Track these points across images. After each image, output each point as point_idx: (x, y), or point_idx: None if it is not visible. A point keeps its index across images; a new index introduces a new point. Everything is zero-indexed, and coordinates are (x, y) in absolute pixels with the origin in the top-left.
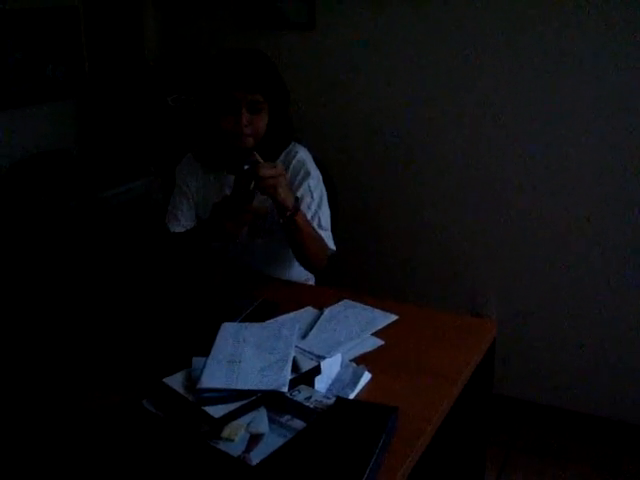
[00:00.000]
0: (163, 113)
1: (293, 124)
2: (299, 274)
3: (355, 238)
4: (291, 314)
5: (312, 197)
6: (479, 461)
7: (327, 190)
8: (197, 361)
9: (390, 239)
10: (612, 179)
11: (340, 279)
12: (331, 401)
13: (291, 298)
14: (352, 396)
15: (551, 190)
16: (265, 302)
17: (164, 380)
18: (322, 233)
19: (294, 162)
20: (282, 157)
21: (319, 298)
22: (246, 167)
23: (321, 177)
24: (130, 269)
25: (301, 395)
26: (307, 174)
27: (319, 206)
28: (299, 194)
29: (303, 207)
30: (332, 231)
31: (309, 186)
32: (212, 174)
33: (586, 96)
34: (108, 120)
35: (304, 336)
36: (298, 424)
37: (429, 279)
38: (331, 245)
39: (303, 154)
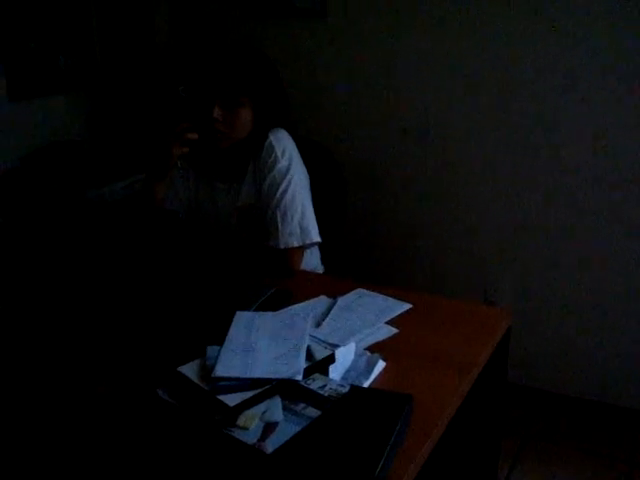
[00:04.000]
0: (175, 103)
1: (289, 118)
2: (306, 264)
3: (366, 228)
4: (304, 303)
5: (277, 186)
6: (493, 450)
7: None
8: (211, 350)
9: (402, 228)
10: (626, 172)
11: (351, 269)
12: (345, 389)
13: (304, 287)
14: (366, 384)
15: (564, 180)
16: (278, 291)
17: (179, 369)
18: (283, 227)
19: (264, 148)
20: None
21: (332, 287)
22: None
23: (298, 164)
24: (145, 258)
25: (315, 384)
26: (275, 160)
27: (284, 195)
28: (267, 180)
29: (268, 194)
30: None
31: (276, 172)
32: (202, 181)
33: (604, 97)
34: (119, 111)
35: (318, 325)
36: (313, 412)
37: (442, 268)
38: (294, 241)
39: (274, 139)
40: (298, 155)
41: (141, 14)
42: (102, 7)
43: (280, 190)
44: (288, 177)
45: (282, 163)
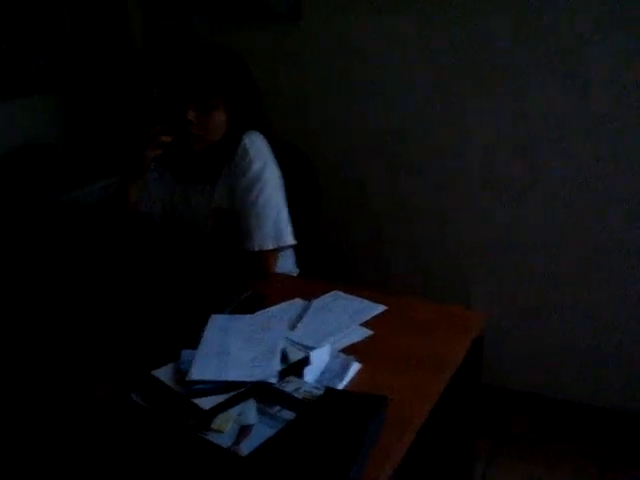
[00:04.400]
0: (149, 105)
1: (263, 120)
2: (281, 267)
3: (341, 230)
4: (279, 305)
5: (251, 189)
6: (468, 451)
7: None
8: (186, 353)
9: (378, 231)
10: (607, 178)
11: (326, 272)
12: (320, 392)
13: (279, 290)
14: (341, 386)
15: (543, 188)
16: (253, 294)
17: (153, 372)
18: (258, 230)
19: (238, 150)
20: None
21: (307, 290)
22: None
23: (272, 166)
24: (118, 261)
25: (290, 386)
26: (250, 163)
27: (259, 198)
28: (242, 183)
29: (243, 197)
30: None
31: (250, 175)
32: (177, 183)
33: (594, 104)
34: (94, 113)
35: (293, 327)
36: (288, 415)
37: (420, 272)
38: (269, 243)
39: (248, 141)
40: (272, 157)
41: (114, 16)
42: (75, 9)
43: (254, 192)
44: (262, 179)
45: (256, 165)
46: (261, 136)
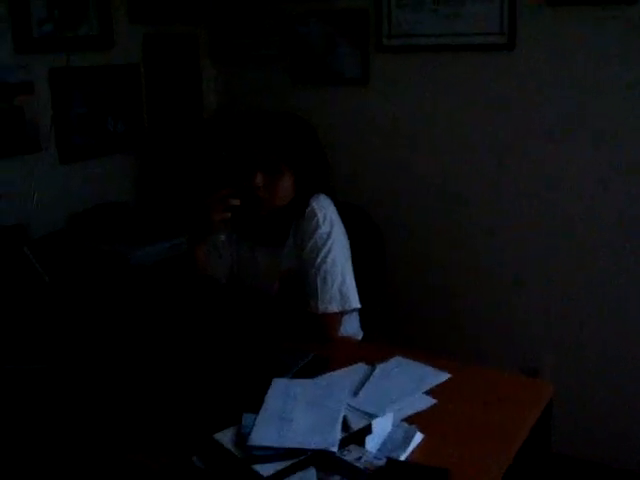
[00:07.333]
0: (218, 167)
1: (328, 185)
2: (345, 331)
3: (404, 294)
4: (342, 370)
5: (317, 252)
6: None
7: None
8: (247, 417)
9: (440, 294)
10: None
11: (389, 335)
12: (382, 462)
13: (342, 354)
14: (403, 457)
15: (607, 241)
16: (316, 358)
17: (214, 436)
18: (323, 293)
19: (306, 213)
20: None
21: (371, 354)
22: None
23: (339, 229)
24: (183, 324)
25: (351, 455)
26: (317, 226)
27: (325, 261)
28: (308, 246)
29: (309, 260)
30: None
31: (317, 238)
32: (245, 244)
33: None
34: (166, 173)
35: (355, 393)
36: None
37: (484, 335)
38: (333, 306)
39: (316, 205)
40: (339, 221)
41: (189, 80)
42: (151, 72)
43: (321, 256)
44: (329, 243)
45: (323, 229)
46: (328, 199)
